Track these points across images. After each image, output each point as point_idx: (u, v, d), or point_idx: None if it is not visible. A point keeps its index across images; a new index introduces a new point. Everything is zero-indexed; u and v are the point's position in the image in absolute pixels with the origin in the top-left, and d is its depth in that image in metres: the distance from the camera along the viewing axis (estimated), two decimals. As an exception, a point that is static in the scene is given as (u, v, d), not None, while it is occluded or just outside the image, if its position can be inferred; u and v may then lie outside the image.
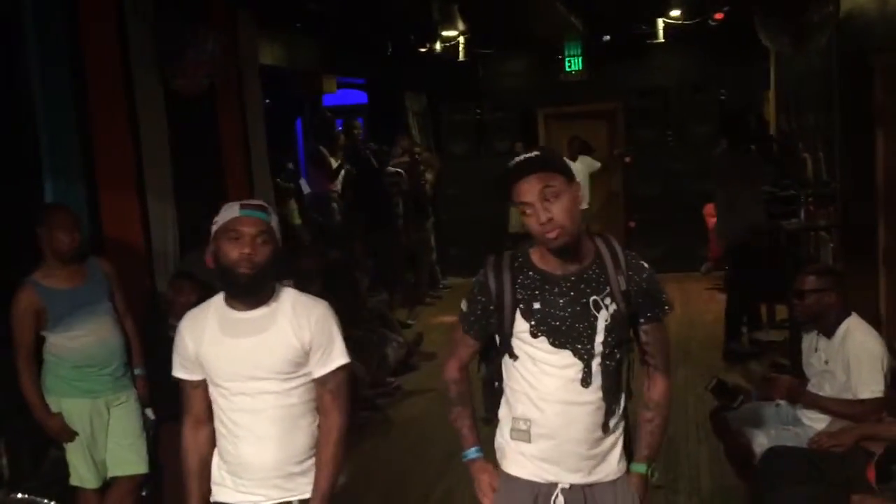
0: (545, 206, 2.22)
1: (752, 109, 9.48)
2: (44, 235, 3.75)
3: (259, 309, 2.44)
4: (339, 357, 2.48)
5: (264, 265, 2.39)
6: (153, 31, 5.13)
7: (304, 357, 2.44)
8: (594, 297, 2.31)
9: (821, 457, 3.47)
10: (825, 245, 6.96)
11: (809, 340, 3.87)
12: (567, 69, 10.28)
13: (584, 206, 10.09)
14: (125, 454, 3.93)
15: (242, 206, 2.47)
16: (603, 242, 2.38)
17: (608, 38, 9.94)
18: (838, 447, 3.46)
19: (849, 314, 3.71)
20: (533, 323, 2.32)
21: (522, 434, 2.38)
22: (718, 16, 8.79)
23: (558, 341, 2.31)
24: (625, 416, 2.44)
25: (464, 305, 2.46)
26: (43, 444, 3.95)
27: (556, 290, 2.31)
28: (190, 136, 5.55)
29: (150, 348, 4.09)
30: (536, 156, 2.29)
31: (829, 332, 3.71)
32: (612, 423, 2.38)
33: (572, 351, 2.31)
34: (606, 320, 2.31)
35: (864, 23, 5.78)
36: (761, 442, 3.73)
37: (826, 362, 3.73)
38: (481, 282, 2.39)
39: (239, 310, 2.45)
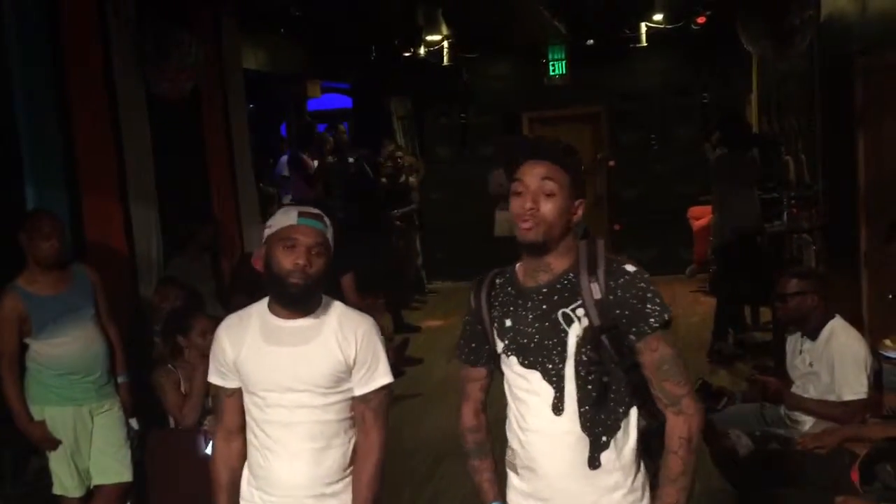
0: (535, 196, 2.04)
1: (735, 112, 9.55)
2: (26, 242, 3.72)
3: (304, 319, 2.35)
4: (383, 376, 2.38)
5: (317, 277, 2.29)
6: (136, 35, 5.10)
7: (346, 372, 2.34)
8: (563, 309, 2.04)
9: (805, 458, 3.48)
10: (808, 247, 7.01)
11: (793, 342, 3.90)
12: (551, 73, 10.30)
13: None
14: (109, 462, 3.90)
15: (301, 214, 2.32)
16: (585, 245, 2.09)
17: (591, 42, 9.97)
18: (822, 449, 3.48)
19: (832, 316, 3.74)
20: (506, 342, 2.12)
21: (511, 465, 2.19)
22: (700, 20, 8.84)
23: (527, 361, 2.09)
24: (636, 451, 2.10)
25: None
26: (25, 453, 3.92)
27: (529, 304, 2.09)
28: (173, 141, 5.52)
29: (133, 356, 4.07)
30: (560, 145, 2.13)
31: (812, 335, 3.74)
32: (604, 458, 2.05)
33: (541, 372, 2.06)
34: (578, 335, 2.03)
35: (844, 26, 5.83)
36: (746, 443, 3.75)
37: (810, 364, 3.75)
38: (469, 302, 2.22)
39: (283, 317, 2.35)
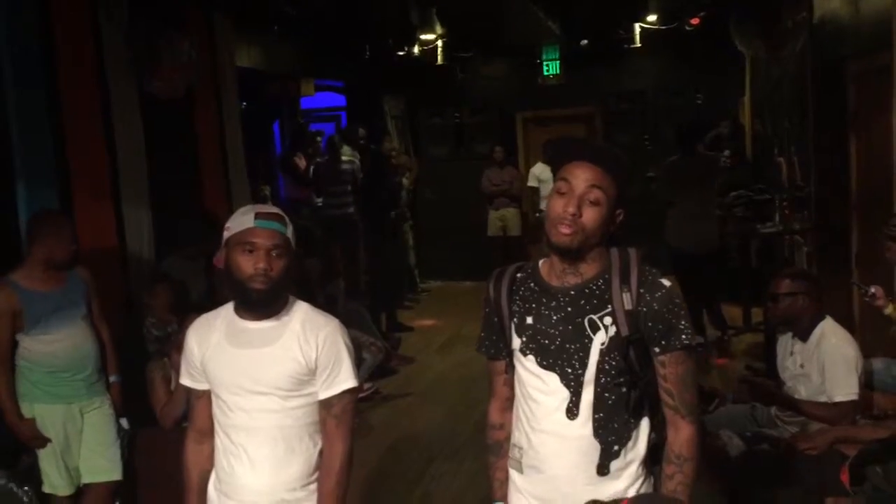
0: (580, 201, 2.00)
1: (727, 114, 9.58)
2: (40, 243, 3.70)
3: (268, 321, 2.32)
4: (346, 380, 2.33)
5: (279, 279, 2.26)
6: (128, 34, 5.08)
7: (308, 375, 2.30)
8: (591, 315, 2.02)
9: (795, 459, 3.49)
10: (800, 248, 7.03)
11: (784, 343, 3.91)
12: (545, 73, 10.32)
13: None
14: (98, 461, 3.89)
15: (258, 216, 2.28)
16: (618, 254, 2.07)
17: (585, 42, 9.99)
18: (813, 450, 3.49)
19: (823, 317, 3.74)
20: (524, 339, 2.09)
21: (515, 463, 2.16)
22: (694, 21, 8.85)
23: (546, 362, 2.06)
24: (645, 462, 2.11)
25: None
26: (14, 451, 3.90)
27: (553, 304, 2.06)
28: (166, 141, 5.51)
29: (124, 355, 4.06)
30: (612, 151, 2.09)
31: (803, 336, 3.75)
32: (613, 466, 2.05)
33: (559, 375, 2.04)
34: (603, 343, 2.01)
35: (836, 29, 5.84)
36: (737, 444, 3.76)
37: (801, 365, 3.76)
38: (486, 293, 2.18)
39: (247, 319, 2.33)
